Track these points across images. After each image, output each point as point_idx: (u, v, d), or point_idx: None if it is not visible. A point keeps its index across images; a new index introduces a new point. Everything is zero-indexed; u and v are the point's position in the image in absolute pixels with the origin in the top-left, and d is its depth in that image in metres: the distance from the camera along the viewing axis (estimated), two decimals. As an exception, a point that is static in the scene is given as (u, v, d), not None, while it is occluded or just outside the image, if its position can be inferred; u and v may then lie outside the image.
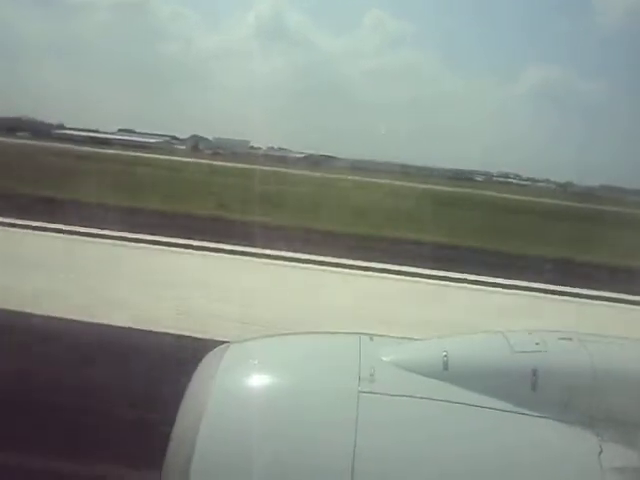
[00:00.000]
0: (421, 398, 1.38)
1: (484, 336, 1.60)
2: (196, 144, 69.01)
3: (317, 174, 45.12)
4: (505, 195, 44.91)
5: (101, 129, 75.68)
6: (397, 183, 40.01)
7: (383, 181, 42.53)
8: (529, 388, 1.38)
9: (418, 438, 1.34)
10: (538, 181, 66.32)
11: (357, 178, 43.91)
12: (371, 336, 1.63)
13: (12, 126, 67.35)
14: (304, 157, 67.76)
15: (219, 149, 66.27)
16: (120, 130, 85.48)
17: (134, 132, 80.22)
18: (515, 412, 1.36)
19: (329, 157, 70.15)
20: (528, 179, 67.43)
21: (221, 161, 51.29)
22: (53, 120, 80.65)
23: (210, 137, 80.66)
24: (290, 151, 73.43)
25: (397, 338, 1.67)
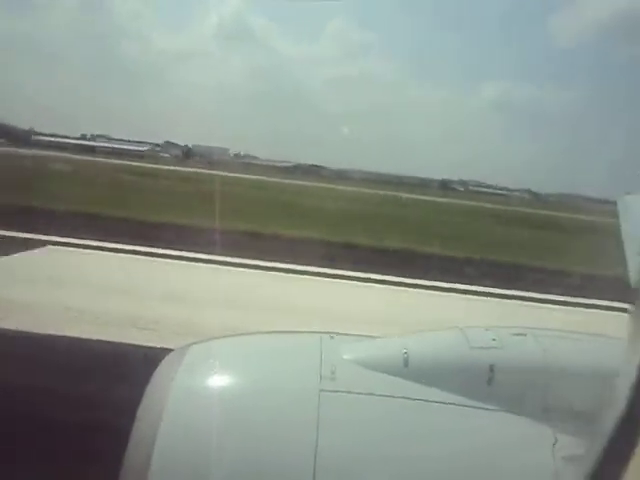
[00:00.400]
0: (382, 395, 1.41)
1: (443, 333, 1.64)
2: (187, 152, 68.74)
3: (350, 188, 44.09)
4: (497, 206, 45.32)
5: (62, 133, 74.86)
6: (387, 194, 40.97)
7: (371, 191, 43.15)
8: (486, 383, 1.43)
9: (379, 435, 1.37)
10: (513, 190, 68.87)
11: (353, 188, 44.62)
12: (332, 334, 1.65)
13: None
14: (293, 167, 68.69)
15: (208, 158, 66.14)
16: (99, 135, 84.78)
17: (112, 138, 79.74)
18: (473, 407, 1.40)
19: (317, 167, 71.45)
20: (503, 188, 70.03)
21: (224, 171, 50.68)
22: (21, 124, 79.14)
23: (184, 143, 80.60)
24: (275, 160, 74.42)
25: (358, 336, 1.69)
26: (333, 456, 1.29)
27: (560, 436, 1.35)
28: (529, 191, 67.55)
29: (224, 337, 1.71)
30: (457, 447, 1.35)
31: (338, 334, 1.64)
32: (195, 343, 1.63)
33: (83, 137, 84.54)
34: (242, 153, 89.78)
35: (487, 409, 1.39)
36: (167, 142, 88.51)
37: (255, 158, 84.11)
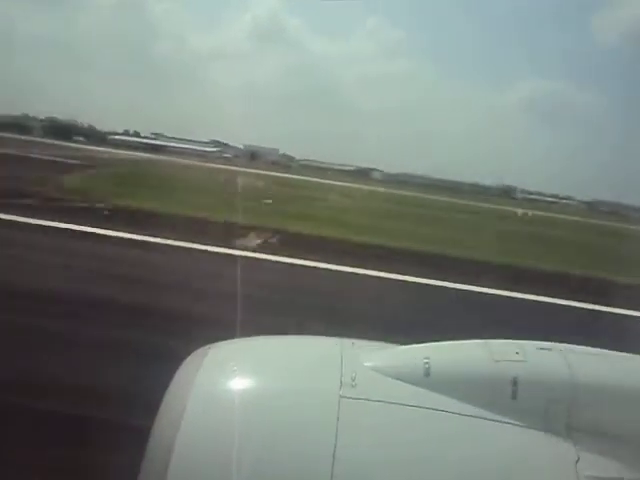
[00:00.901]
0: (402, 404, 1.41)
1: (466, 344, 1.61)
2: (253, 154, 71.26)
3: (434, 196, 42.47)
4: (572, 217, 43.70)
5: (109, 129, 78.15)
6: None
7: (451, 200, 42.40)
8: (509, 397, 1.41)
9: (398, 444, 1.37)
10: (562, 198, 70.80)
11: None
12: (352, 341, 1.66)
13: (65, 130, 69.42)
14: (354, 170, 70.85)
15: (268, 159, 68.11)
16: (154, 134, 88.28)
17: (174, 137, 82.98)
18: (494, 420, 1.39)
19: (371, 169, 73.01)
20: (553, 195, 71.84)
21: (301, 175, 49.24)
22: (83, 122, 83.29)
23: (224, 141, 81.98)
24: (333, 163, 75.50)
25: (379, 343, 1.70)
26: (351, 463, 1.30)
27: (583, 454, 1.33)
28: (573, 198, 69.44)
29: (244, 339, 1.77)
30: (476, 460, 1.35)
31: (359, 340, 1.67)
32: (215, 345, 1.64)
33: (126, 133, 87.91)
34: (280, 153, 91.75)
35: (509, 423, 1.38)
36: (214, 141, 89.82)
37: (293, 159, 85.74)
